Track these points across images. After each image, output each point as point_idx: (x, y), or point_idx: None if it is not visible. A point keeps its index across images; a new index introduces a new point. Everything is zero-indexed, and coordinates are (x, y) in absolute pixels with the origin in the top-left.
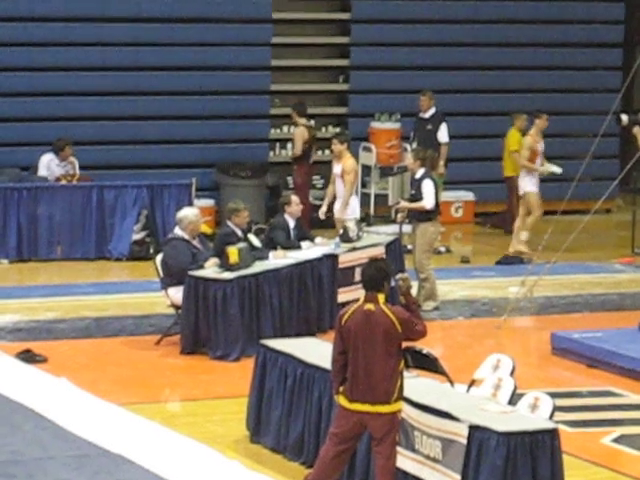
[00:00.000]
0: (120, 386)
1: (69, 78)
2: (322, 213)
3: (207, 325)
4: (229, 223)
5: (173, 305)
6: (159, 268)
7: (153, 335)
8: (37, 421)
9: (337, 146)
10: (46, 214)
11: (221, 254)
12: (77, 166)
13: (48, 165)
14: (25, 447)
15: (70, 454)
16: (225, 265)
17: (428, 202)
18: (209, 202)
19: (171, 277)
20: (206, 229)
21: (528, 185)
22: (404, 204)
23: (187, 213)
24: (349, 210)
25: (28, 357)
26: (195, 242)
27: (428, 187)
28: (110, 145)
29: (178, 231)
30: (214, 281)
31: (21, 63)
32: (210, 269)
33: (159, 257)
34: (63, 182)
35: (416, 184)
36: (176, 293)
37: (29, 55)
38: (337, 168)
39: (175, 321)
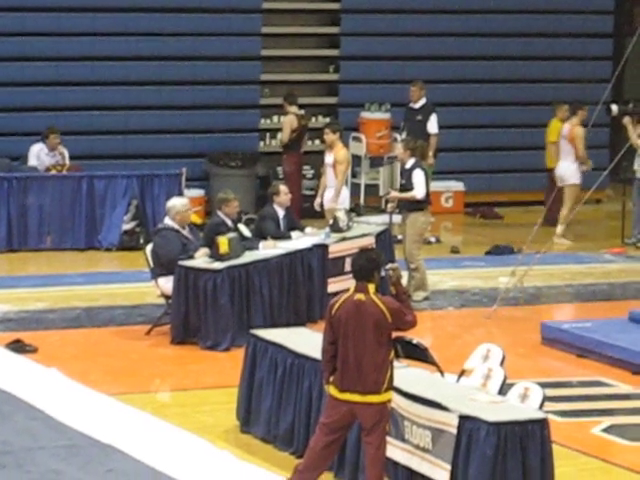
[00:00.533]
0: (110, 376)
1: (60, 68)
2: (317, 205)
3: (197, 315)
4: (219, 213)
5: (163, 295)
6: (149, 258)
7: (143, 325)
8: (27, 411)
9: (329, 136)
10: (36, 204)
11: (211, 244)
12: (67, 156)
13: (38, 155)
14: (15, 437)
15: (60, 444)
16: (215, 255)
17: (419, 192)
18: (199, 192)
19: (161, 267)
20: (196, 219)
21: (575, 177)
22: (395, 194)
23: (175, 203)
24: (339, 200)
25: (18, 347)
26: (185, 232)
27: (419, 177)
28: (100, 135)
29: (168, 221)
30: (204, 271)
31: (11, 53)
32: (200, 259)
33: (149, 247)
34: (53, 172)
35: (406, 174)
36: (166, 283)
37: (19, 45)
38: (329, 158)
39: (165, 311)
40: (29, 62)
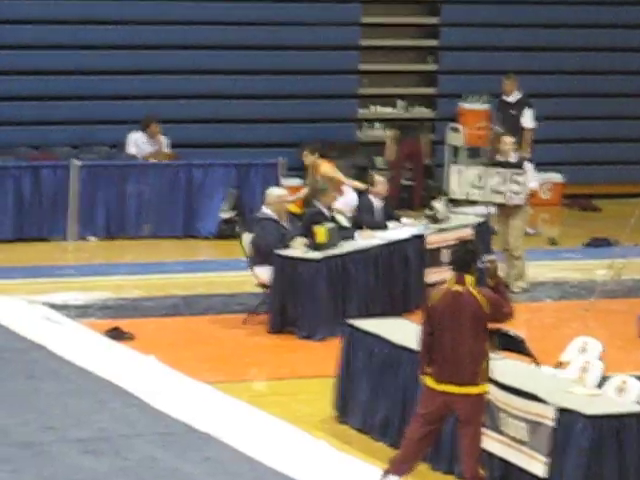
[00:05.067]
0: (207, 364)
1: (159, 56)
2: None
3: (294, 304)
4: (317, 203)
5: (261, 284)
6: (247, 247)
7: (241, 314)
8: (125, 398)
9: (308, 157)
10: (134, 192)
11: (309, 234)
12: (166, 144)
13: (136, 143)
14: (113, 424)
15: (157, 431)
16: (313, 245)
17: (535, 183)
18: (297, 181)
19: (259, 256)
20: (294, 209)
21: None
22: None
23: (271, 193)
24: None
25: (116, 335)
26: (283, 222)
27: (531, 168)
28: (199, 124)
29: (266, 210)
30: (302, 260)
31: (111, 41)
32: (298, 249)
33: (247, 236)
34: (152, 160)
35: (514, 167)
36: (264, 272)
37: (120, 33)
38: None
39: (263, 300)
40: (129, 50)
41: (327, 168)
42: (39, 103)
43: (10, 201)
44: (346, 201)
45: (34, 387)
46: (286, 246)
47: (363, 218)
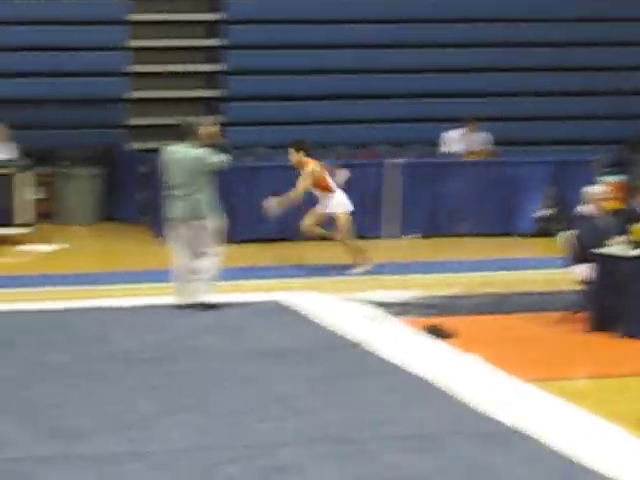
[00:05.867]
0: (526, 363)
1: (475, 54)
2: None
3: (614, 302)
4: (635, 200)
5: (579, 282)
6: (565, 245)
7: (558, 312)
8: (446, 396)
9: (294, 156)
10: (452, 190)
11: (628, 231)
12: (485, 141)
13: (455, 141)
14: (434, 422)
15: (478, 430)
16: (632, 242)
17: None
18: (617, 178)
19: (577, 254)
20: (614, 206)
21: None
22: None
23: (588, 190)
24: (334, 204)
25: (436, 332)
26: (602, 219)
27: None
28: (516, 121)
29: (584, 208)
30: (621, 258)
31: (430, 39)
32: (617, 246)
33: (565, 234)
34: (469, 158)
35: None
36: (582, 270)
37: (433, 30)
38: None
39: (582, 298)
40: (452, 48)
41: (312, 167)
42: (360, 101)
43: None
44: (336, 203)
45: (355, 384)
46: (604, 244)
47: None
